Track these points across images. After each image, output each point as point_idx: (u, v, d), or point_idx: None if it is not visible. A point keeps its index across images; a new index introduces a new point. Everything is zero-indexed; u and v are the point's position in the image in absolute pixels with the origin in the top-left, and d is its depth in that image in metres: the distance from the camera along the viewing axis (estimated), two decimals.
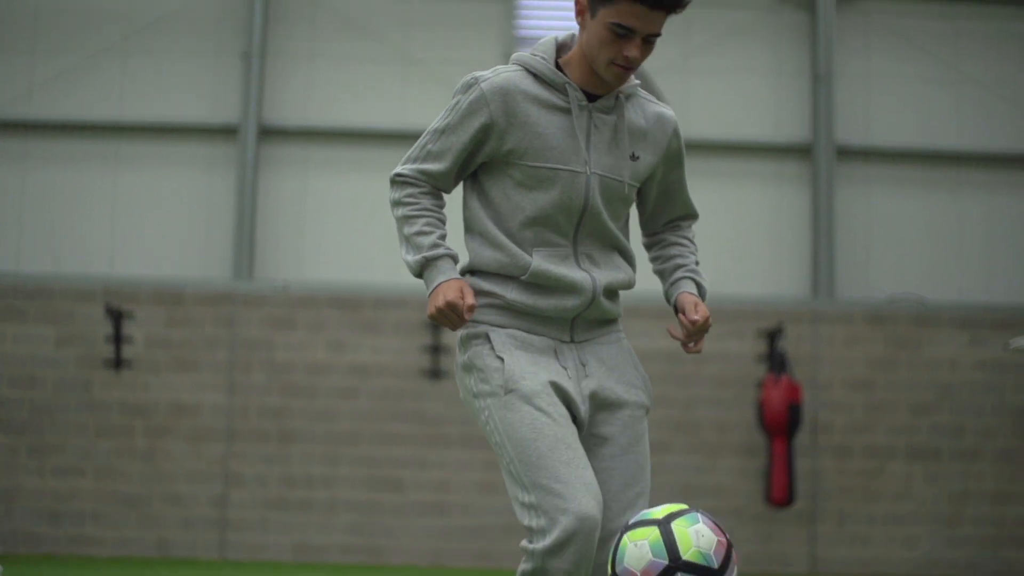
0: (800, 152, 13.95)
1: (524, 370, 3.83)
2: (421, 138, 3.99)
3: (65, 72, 13.81)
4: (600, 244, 3.97)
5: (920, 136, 14.01)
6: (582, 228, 3.92)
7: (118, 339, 13.04)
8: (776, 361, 12.95)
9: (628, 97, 3.98)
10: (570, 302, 3.89)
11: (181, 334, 13.18)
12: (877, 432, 13.24)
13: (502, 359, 3.85)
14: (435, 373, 13.12)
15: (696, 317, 3.96)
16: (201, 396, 13.12)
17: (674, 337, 4.00)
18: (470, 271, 3.99)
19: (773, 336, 13.12)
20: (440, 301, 3.81)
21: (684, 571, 3.54)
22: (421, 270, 3.90)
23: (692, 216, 4.26)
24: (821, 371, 13.31)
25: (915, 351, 13.37)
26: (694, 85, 13.96)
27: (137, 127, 13.79)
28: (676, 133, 4.08)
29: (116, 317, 13.01)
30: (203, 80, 13.90)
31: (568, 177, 3.87)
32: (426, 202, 3.94)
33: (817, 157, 13.78)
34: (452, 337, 12.93)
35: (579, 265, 3.93)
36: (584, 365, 3.94)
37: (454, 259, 3.91)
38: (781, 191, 13.93)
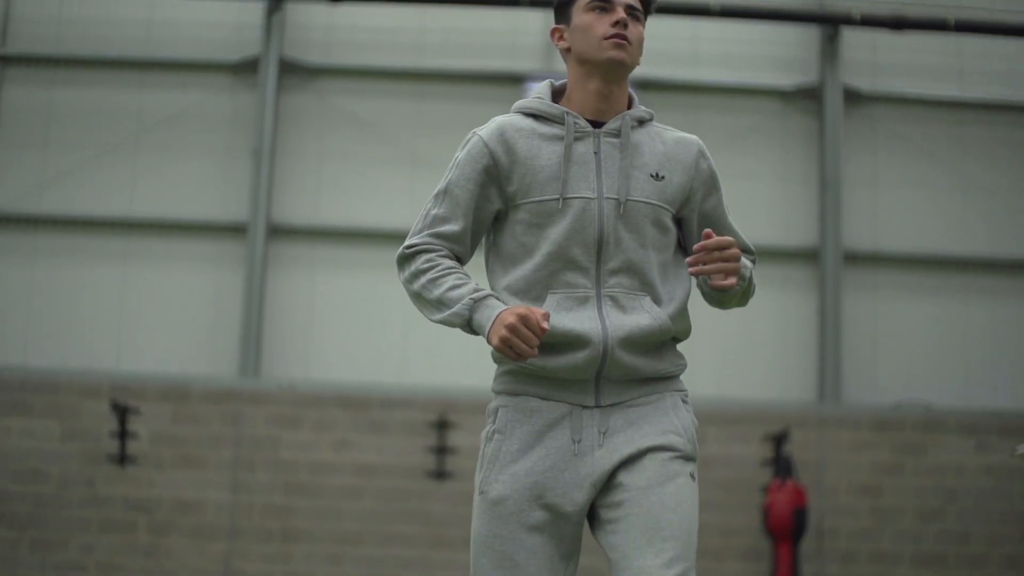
0: (807, 257, 13.98)
1: (506, 465, 3.64)
2: (422, 210, 3.80)
3: (76, 168, 13.89)
4: (631, 284, 3.65)
5: (927, 241, 14.05)
6: (604, 263, 3.64)
7: (123, 435, 13.02)
8: (782, 465, 12.89)
9: (642, 122, 3.80)
10: (579, 357, 3.59)
11: (186, 431, 13.15)
12: (883, 538, 13.17)
13: (498, 443, 3.67)
14: (440, 474, 13.06)
15: (716, 237, 3.56)
16: (205, 493, 13.07)
17: (692, 264, 3.58)
18: None
19: (779, 440, 13.07)
20: (511, 318, 3.45)
21: None
22: (470, 313, 3.57)
23: (747, 251, 3.94)
24: (827, 476, 13.26)
25: (921, 456, 13.32)
26: None
27: (146, 224, 13.86)
28: (703, 154, 3.85)
29: (121, 413, 12.99)
30: (213, 178, 13.97)
31: (578, 205, 3.64)
32: (449, 263, 3.67)
33: (824, 262, 13.81)
34: (458, 438, 12.92)
35: (599, 309, 3.62)
36: (603, 433, 3.62)
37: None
38: (788, 295, 13.93)
